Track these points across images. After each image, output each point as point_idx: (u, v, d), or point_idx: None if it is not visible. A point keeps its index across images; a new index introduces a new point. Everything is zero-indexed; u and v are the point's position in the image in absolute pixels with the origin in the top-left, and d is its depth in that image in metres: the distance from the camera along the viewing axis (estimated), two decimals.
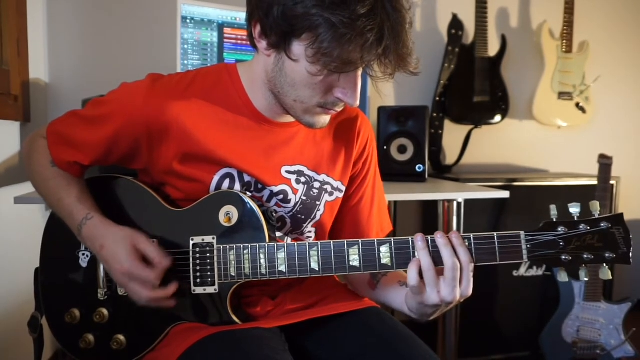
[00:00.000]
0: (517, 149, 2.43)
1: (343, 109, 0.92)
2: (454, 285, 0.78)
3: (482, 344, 2.01)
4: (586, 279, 0.80)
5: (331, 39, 0.71)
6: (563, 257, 0.80)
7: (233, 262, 0.86)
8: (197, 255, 0.87)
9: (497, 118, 2.23)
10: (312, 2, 0.71)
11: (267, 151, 0.92)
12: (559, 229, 0.80)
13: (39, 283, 0.96)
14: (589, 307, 1.86)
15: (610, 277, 0.78)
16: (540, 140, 2.44)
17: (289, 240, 0.96)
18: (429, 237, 0.81)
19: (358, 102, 0.82)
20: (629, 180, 2.41)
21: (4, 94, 1.50)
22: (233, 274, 0.86)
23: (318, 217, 0.97)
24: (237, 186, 0.90)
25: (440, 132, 2.22)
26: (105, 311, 0.90)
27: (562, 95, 2.31)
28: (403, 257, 0.82)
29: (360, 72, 0.80)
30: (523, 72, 2.37)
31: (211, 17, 1.62)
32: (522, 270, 2.00)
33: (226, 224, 0.88)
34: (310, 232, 0.99)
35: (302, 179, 0.95)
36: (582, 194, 2.01)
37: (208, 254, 0.87)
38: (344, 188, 1.00)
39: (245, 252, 0.86)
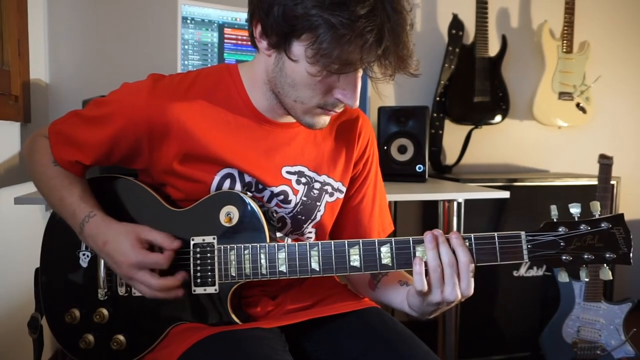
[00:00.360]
0: (517, 149, 2.43)
1: (344, 110, 0.92)
2: (453, 283, 0.78)
3: (482, 344, 2.01)
4: (587, 279, 0.80)
5: (330, 40, 0.71)
6: (564, 258, 0.80)
7: (233, 262, 0.86)
8: (198, 255, 0.87)
9: (498, 118, 2.23)
10: (312, 3, 0.71)
11: (267, 151, 0.92)
12: (560, 229, 0.80)
13: (39, 283, 0.96)
14: (589, 307, 1.86)
15: (611, 278, 0.78)
16: (541, 141, 2.44)
17: (289, 240, 0.96)
18: (433, 236, 0.81)
19: (357, 103, 0.82)
20: (630, 181, 2.41)
21: (4, 94, 1.50)
22: (233, 274, 0.86)
23: (318, 217, 0.97)
24: (238, 186, 0.90)
25: (441, 132, 2.22)
26: (105, 311, 0.90)
27: (562, 95, 2.31)
28: (404, 257, 0.82)
29: (360, 73, 0.80)
30: (523, 72, 2.37)
31: (211, 18, 1.62)
32: (522, 271, 2.00)
33: (227, 224, 0.88)
34: (310, 232, 0.99)
35: (303, 180, 0.95)
36: (582, 194, 2.01)
37: (208, 254, 0.87)
38: (344, 189, 1.00)
39: (245, 252, 0.86)
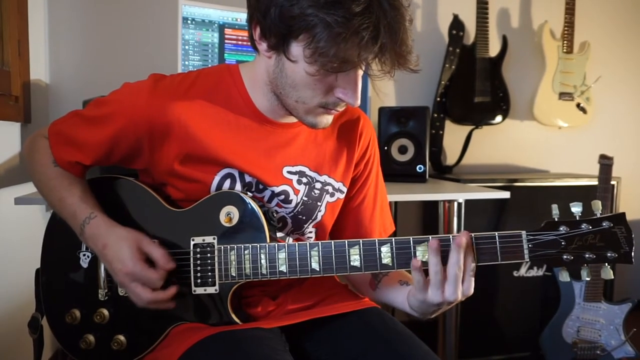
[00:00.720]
0: (517, 150, 2.43)
1: (345, 110, 0.92)
2: (456, 284, 0.78)
3: (482, 344, 2.01)
4: (588, 279, 0.80)
5: (327, 39, 0.71)
6: (565, 257, 0.80)
7: (234, 262, 0.86)
8: (198, 256, 0.87)
9: (498, 118, 2.23)
10: (307, 3, 0.71)
11: (268, 151, 0.92)
12: (561, 229, 0.80)
13: (40, 283, 0.95)
14: (589, 307, 1.86)
15: (612, 277, 0.77)
16: (541, 141, 2.44)
17: (290, 240, 0.96)
18: (435, 237, 0.81)
19: (359, 102, 0.82)
20: (630, 181, 2.41)
21: (4, 94, 1.50)
22: (234, 274, 0.86)
23: (319, 217, 0.97)
24: (238, 186, 0.90)
25: (441, 132, 2.22)
26: (105, 311, 0.90)
27: (562, 95, 2.31)
28: (404, 257, 0.82)
29: (360, 72, 0.80)
30: (524, 73, 2.37)
31: (212, 18, 1.62)
32: (523, 271, 2.00)
33: (227, 224, 0.88)
34: (311, 232, 0.99)
35: (304, 180, 0.95)
36: (582, 194, 2.01)
37: (209, 254, 0.87)
38: (345, 189, 1.00)
39: (246, 252, 0.85)
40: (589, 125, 2.43)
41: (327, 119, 0.87)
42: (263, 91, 0.88)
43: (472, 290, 0.80)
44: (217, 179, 0.89)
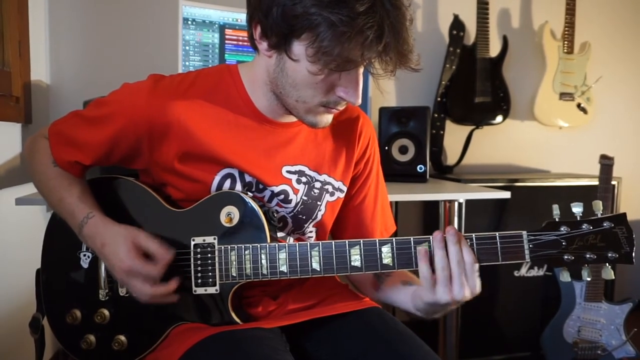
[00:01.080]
0: (518, 150, 2.43)
1: (344, 110, 0.92)
2: (461, 282, 0.78)
3: (483, 344, 2.01)
4: (589, 279, 0.80)
5: (331, 38, 0.71)
6: (565, 257, 0.79)
7: (234, 263, 0.86)
8: (198, 256, 0.87)
9: (499, 118, 2.23)
10: (310, 2, 0.71)
11: (268, 151, 0.92)
12: (562, 229, 0.80)
13: (41, 284, 0.96)
14: (590, 307, 1.86)
15: (613, 277, 0.77)
16: (542, 141, 2.44)
17: (291, 240, 0.96)
18: (441, 235, 0.80)
19: (360, 101, 0.82)
20: (630, 181, 2.41)
21: (5, 95, 1.50)
22: (234, 274, 0.86)
23: (319, 217, 0.97)
24: (238, 186, 0.90)
25: (442, 132, 2.22)
26: (106, 312, 0.90)
27: (563, 95, 2.31)
28: (405, 257, 0.82)
29: (361, 70, 0.80)
30: (524, 73, 2.36)
31: (212, 19, 1.62)
32: (523, 271, 2.00)
33: (227, 225, 0.88)
34: (311, 232, 0.99)
35: (303, 179, 0.95)
36: (583, 194, 2.00)
37: (209, 254, 0.87)
38: (345, 188, 1.00)
39: (246, 252, 0.85)
40: (590, 126, 2.43)
41: (328, 118, 0.87)
42: (262, 91, 0.88)
43: (479, 289, 0.80)
44: (217, 178, 0.90)
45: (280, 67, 0.81)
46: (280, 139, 0.93)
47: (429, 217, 2.23)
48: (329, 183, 0.97)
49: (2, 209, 1.45)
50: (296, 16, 0.72)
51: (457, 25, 2.19)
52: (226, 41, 1.64)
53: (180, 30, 1.58)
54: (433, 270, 0.80)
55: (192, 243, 0.88)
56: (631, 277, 2.47)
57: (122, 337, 0.90)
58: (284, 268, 0.85)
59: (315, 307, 0.97)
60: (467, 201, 1.74)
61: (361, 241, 0.83)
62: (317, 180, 0.96)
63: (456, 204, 1.68)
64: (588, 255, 0.79)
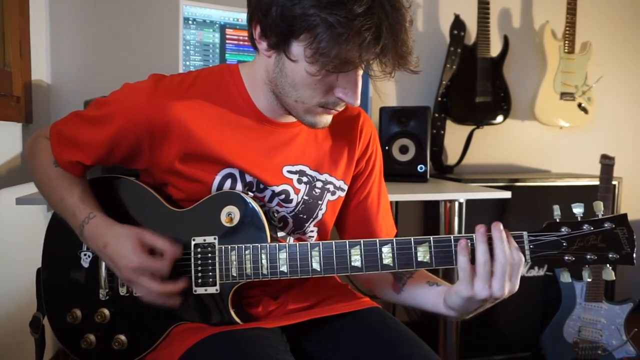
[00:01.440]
0: (519, 149, 2.42)
1: (344, 109, 0.92)
2: (503, 279, 0.77)
3: (483, 345, 2.01)
4: (589, 280, 0.80)
5: (329, 39, 0.71)
6: (566, 258, 0.79)
7: (234, 263, 0.86)
8: (199, 256, 0.87)
9: (499, 118, 2.23)
10: (309, 3, 0.71)
11: (268, 151, 0.92)
12: (562, 230, 0.80)
13: (41, 283, 0.96)
14: (590, 307, 1.86)
15: (614, 278, 0.77)
16: (542, 141, 2.44)
17: (291, 240, 0.96)
18: (484, 230, 0.80)
19: (359, 102, 0.82)
20: (631, 181, 2.40)
21: (6, 95, 1.50)
22: (234, 274, 0.86)
23: (320, 216, 0.97)
24: (239, 186, 0.90)
25: (442, 132, 2.22)
26: (106, 311, 0.90)
27: (564, 95, 2.30)
28: (405, 257, 0.82)
29: (360, 71, 0.80)
30: (525, 73, 2.36)
31: (213, 18, 1.62)
32: (524, 271, 2.00)
33: (228, 224, 0.88)
34: (312, 231, 0.99)
35: (304, 179, 0.95)
36: (584, 194, 2.00)
37: (209, 254, 0.87)
38: (346, 187, 1.00)
39: (246, 252, 0.85)
40: (590, 125, 2.43)
41: (327, 119, 0.87)
42: (263, 91, 0.88)
43: (517, 287, 0.79)
44: (217, 178, 0.90)
45: (280, 67, 0.81)
46: (280, 139, 0.93)
47: (429, 217, 2.23)
48: (330, 182, 0.97)
49: (2, 208, 1.46)
50: (295, 17, 0.72)
51: (458, 25, 2.19)
52: (227, 41, 1.64)
53: (181, 29, 1.58)
54: (472, 264, 0.79)
55: (193, 243, 0.88)
56: (632, 277, 2.47)
57: (123, 337, 0.90)
58: (284, 268, 0.85)
59: (316, 307, 0.97)
60: (468, 201, 1.73)
61: (361, 241, 0.83)
62: (318, 180, 0.96)
63: (456, 204, 1.68)
64: (589, 256, 0.79)
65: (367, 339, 0.90)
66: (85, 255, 0.93)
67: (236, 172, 0.90)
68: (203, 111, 0.88)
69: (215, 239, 0.87)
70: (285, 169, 0.93)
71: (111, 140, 0.88)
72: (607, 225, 0.79)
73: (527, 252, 0.80)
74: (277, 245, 0.85)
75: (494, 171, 2.38)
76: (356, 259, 0.83)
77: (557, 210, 0.81)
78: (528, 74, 2.36)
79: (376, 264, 0.83)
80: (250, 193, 0.90)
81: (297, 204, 0.95)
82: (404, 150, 1.82)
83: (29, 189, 1.28)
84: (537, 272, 2.00)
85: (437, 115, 2.20)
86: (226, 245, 0.86)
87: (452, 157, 2.32)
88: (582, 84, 2.31)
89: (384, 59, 0.73)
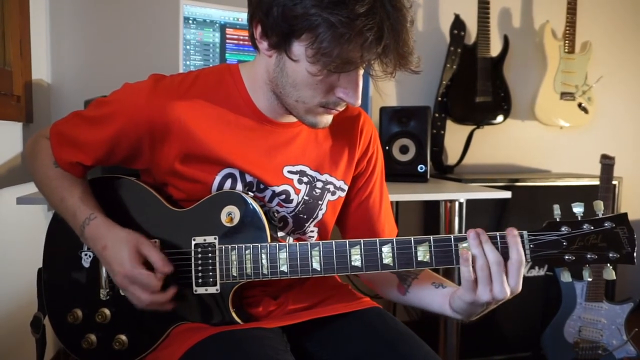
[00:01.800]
0: (519, 149, 2.42)
1: (345, 108, 0.92)
2: (501, 280, 0.78)
3: (484, 345, 2.01)
4: (590, 279, 0.80)
5: (330, 39, 0.71)
6: (566, 257, 0.79)
7: (235, 262, 0.86)
8: (199, 256, 0.87)
9: (499, 118, 2.23)
10: (311, 2, 0.71)
11: (269, 151, 0.92)
12: (562, 229, 0.80)
13: (42, 283, 0.96)
14: (591, 307, 1.86)
15: (614, 278, 0.77)
16: (543, 141, 2.44)
17: (291, 240, 0.96)
18: (482, 232, 0.80)
19: (359, 102, 0.82)
20: (631, 181, 2.40)
21: (6, 94, 1.50)
22: (235, 274, 0.86)
23: (320, 216, 0.97)
24: (239, 186, 0.90)
25: (442, 132, 2.22)
26: (107, 311, 0.90)
27: (564, 95, 2.30)
28: (405, 257, 0.82)
29: (361, 71, 0.80)
30: (525, 73, 2.36)
31: (213, 18, 1.62)
32: (524, 271, 1.99)
33: (228, 224, 0.88)
34: (312, 231, 0.99)
35: (305, 179, 0.95)
36: (584, 194, 2.00)
37: (210, 254, 0.87)
38: (346, 187, 1.00)
39: (247, 252, 0.86)
40: (591, 125, 2.42)
41: (327, 119, 0.87)
42: (263, 90, 0.88)
43: (520, 288, 0.79)
44: (218, 178, 0.90)
45: (280, 67, 0.81)
46: (281, 139, 0.93)
47: (430, 217, 2.23)
48: (330, 183, 0.97)
49: (3, 208, 1.46)
50: (296, 16, 0.72)
51: (458, 24, 2.19)
52: (227, 40, 1.64)
53: (181, 29, 1.58)
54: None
55: (193, 243, 0.88)
56: (632, 277, 2.47)
57: (123, 337, 0.90)
58: (284, 268, 0.85)
59: (316, 307, 0.97)
60: (468, 201, 1.73)
61: (361, 241, 0.83)
62: (318, 180, 0.96)
63: (457, 203, 1.68)
64: (589, 256, 0.79)
65: (367, 339, 0.90)
66: (86, 255, 0.93)
67: (236, 172, 0.90)
68: (203, 111, 0.88)
69: (215, 238, 0.87)
70: (286, 169, 0.93)
71: (111, 141, 0.88)
72: (607, 224, 0.79)
73: (528, 252, 0.80)
74: (277, 245, 0.85)
75: (494, 171, 2.38)
76: (356, 259, 0.83)
77: (557, 210, 0.80)
78: (528, 74, 2.36)
79: (376, 263, 0.83)
80: (250, 193, 0.90)
81: (298, 204, 0.95)
82: (404, 150, 1.82)
83: (30, 188, 1.28)
84: (537, 271, 2.00)
85: (437, 115, 2.20)
86: (226, 245, 0.86)
87: (452, 157, 2.32)
88: (582, 84, 2.31)
89: (386, 59, 0.74)
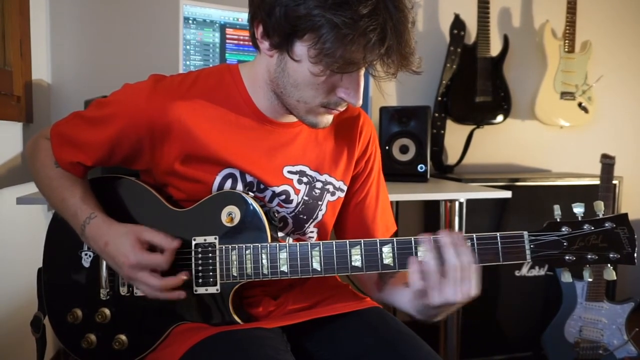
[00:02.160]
0: (519, 149, 2.42)
1: (345, 108, 0.92)
2: (455, 285, 0.78)
3: (484, 344, 2.01)
4: (590, 280, 0.80)
5: (333, 40, 0.71)
6: (567, 258, 0.79)
7: (235, 262, 0.86)
8: (199, 256, 0.87)
9: (499, 118, 2.23)
10: (314, 3, 0.71)
11: (269, 151, 0.92)
12: (563, 229, 0.80)
13: (42, 283, 0.96)
14: (591, 307, 1.86)
15: (615, 278, 0.77)
16: (543, 140, 2.44)
17: (290, 240, 0.96)
18: (432, 237, 0.80)
19: (361, 102, 0.82)
20: (632, 180, 2.40)
21: (6, 94, 1.50)
22: (235, 274, 0.86)
23: (320, 217, 0.97)
24: (240, 186, 0.90)
25: (442, 132, 2.22)
26: (107, 311, 0.90)
27: (564, 95, 2.30)
28: (405, 257, 0.82)
29: (362, 72, 0.80)
30: (525, 72, 2.36)
31: (213, 18, 1.62)
32: (524, 270, 2.00)
33: (228, 224, 0.88)
34: (312, 232, 0.99)
35: (304, 179, 0.95)
36: (584, 193, 2.00)
37: (210, 254, 0.87)
38: (345, 188, 1.00)
39: (247, 252, 0.86)
40: (591, 125, 2.42)
41: (328, 119, 0.87)
42: (263, 90, 0.88)
43: (474, 292, 0.78)
44: (218, 179, 0.90)
45: (282, 67, 0.81)
46: (281, 139, 0.93)
47: (430, 217, 2.23)
48: (329, 183, 0.97)
49: (3, 208, 1.46)
50: (299, 17, 0.72)
51: (458, 24, 2.19)
52: (227, 41, 1.64)
53: (181, 29, 1.58)
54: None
55: (193, 243, 0.88)
56: (633, 276, 2.47)
57: (123, 337, 0.90)
58: (284, 268, 0.85)
59: (316, 307, 0.97)
60: (468, 201, 1.73)
61: (362, 241, 0.83)
62: (318, 181, 0.96)
63: (457, 203, 1.68)
64: (589, 256, 0.79)
65: (367, 339, 0.90)
66: (86, 255, 0.93)
67: (236, 173, 0.90)
68: (203, 111, 0.88)
69: (215, 238, 0.87)
70: (286, 169, 0.93)
71: (112, 141, 0.88)
72: (607, 224, 0.79)
73: (528, 252, 0.80)
74: (277, 245, 0.85)
75: (494, 171, 2.38)
76: (357, 259, 0.83)
77: (557, 210, 0.80)
78: (528, 74, 2.36)
79: (376, 263, 0.83)
80: (250, 193, 0.90)
81: (297, 204, 0.95)
82: (404, 150, 1.82)
83: (30, 188, 1.28)
84: (537, 272, 2.00)
85: (437, 115, 2.20)
86: (227, 245, 0.86)
87: (452, 157, 2.32)
88: (583, 84, 2.31)
89: (388, 60, 0.74)
